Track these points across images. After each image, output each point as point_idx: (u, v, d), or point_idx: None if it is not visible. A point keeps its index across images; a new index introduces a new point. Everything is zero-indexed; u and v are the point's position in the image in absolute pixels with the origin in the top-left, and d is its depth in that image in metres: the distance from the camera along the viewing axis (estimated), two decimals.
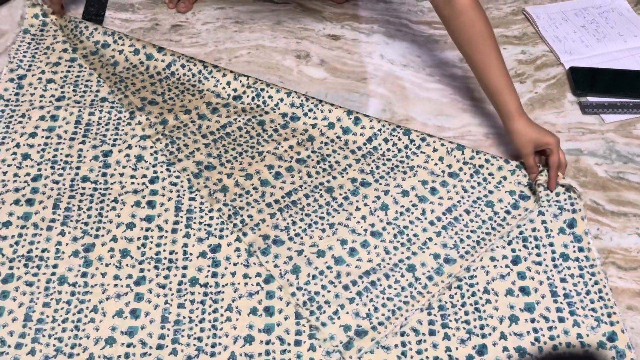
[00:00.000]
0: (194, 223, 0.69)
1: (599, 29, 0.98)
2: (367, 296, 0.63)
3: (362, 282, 0.65)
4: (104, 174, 0.73)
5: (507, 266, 0.68)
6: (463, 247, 0.69)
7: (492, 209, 0.73)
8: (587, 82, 0.88)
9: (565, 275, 0.68)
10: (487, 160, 0.76)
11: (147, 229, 0.68)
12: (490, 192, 0.74)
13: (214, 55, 0.91)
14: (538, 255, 0.69)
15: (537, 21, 0.99)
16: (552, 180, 0.73)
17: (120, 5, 0.98)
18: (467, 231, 0.70)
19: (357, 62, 0.91)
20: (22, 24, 0.91)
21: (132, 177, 0.73)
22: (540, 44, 0.96)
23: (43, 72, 0.85)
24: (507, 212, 0.72)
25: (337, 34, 0.95)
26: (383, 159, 0.77)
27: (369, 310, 0.62)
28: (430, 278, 0.66)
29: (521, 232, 0.71)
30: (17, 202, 0.70)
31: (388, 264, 0.67)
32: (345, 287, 0.64)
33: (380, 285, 0.65)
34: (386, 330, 0.61)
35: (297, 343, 0.60)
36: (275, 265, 0.65)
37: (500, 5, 1.02)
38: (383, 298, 0.63)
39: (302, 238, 0.68)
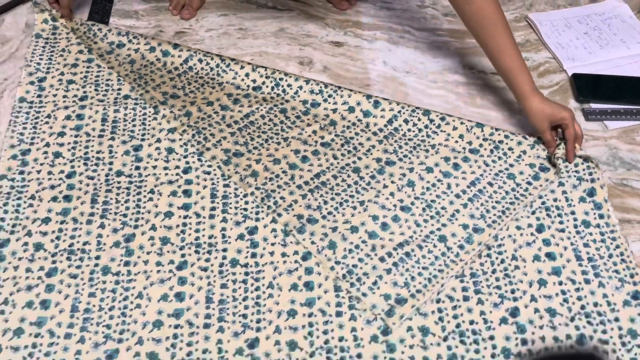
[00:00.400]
0: (230, 208, 0.72)
1: (601, 36, 0.97)
2: (403, 266, 0.66)
3: (397, 253, 0.67)
4: (137, 167, 0.75)
5: (532, 234, 0.71)
6: (490, 217, 0.71)
7: (514, 180, 0.75)
8: (590, 88, 0.87)
9: (587, 240, 0.71)
10: (506, 136, 0.79)
11: (185, 217, 0.71)
12: (511, 165, 0.77)
13: None
14: (561, 223, 0.72)
15: (540, 28, 0.99)
16: (569, 153, 0.76)
17: (124, 12, 1.00)
18: (492, 202, 0.73)
19: (360, 68, 0.91)
20: (27, 30, 0.93)
21: (166, 168, 0.76)
22: (543, 51, 0.96)
23: (62, 73, 0.87)
24: (529, 183, 0.75)
25: (340, 40, 0.96)
26: (405, 139, 0.80)
27: (406, 279, 0.65)
28: (461, 247, 0.68)
29: (543, 203, 0.74)
30: (54, 199, 0.72)
31: (420, 235, 0.69)
32: (382, 259, 0.67)
33: (415, 255, 0.67)
34: (424, 297, 0.63)
35: (338, 314, 0.63)
36: (312, 242, 0.68)
37: None
38: (418, 268, 0.66)
39: (334, 216, 0.71)
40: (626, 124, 0.84)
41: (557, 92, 0.89)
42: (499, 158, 0.78)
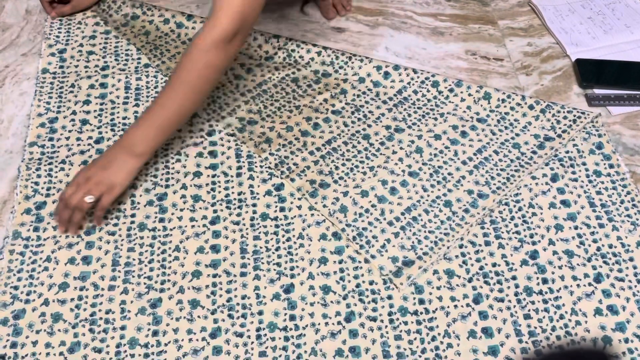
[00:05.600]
0: (256, 166, 0.74)
1: (605, 21, 0.95)
2: (410, 230, 0.69)
3: (405, 218, 0.70)
4: None
5: (547, 183, 0.74)
6: (494, 184, 0.74)
7: (519, 150, 0.78)
8: (593, 74, 0.86)
9: (600, 188, 0.74)
10: (512, 108, 0.81)
11: (214, 176, 0.73)
12: (517, 134, 0.79)
13: None
14: (573, 173, 0.75)
15: (544, 13, 0.97)
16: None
17: None
18: (497, 169, 0.75)
19: (362, 54, 0.89)
20: (28, 17, 0.93)
21: (190, 131, 0.78)
22: (546, 36, 0.94)
23: (81, 45, 0.89)
24: (534, 152, 0.77)
25: (342, 26, 0.94)
26: (414, 107, 0.82)
27: (413, 242, 0.68)
28: (466, 211, 0.71)
29: (556, 155, 0.76)
30: (85, 162, 0.74)
31: (427, 200, 0.72)
32: (390, 223, 0.69)
33: (422, 220, 0.70)
34: (431, 259, 0.66)
35: (367, 261, 0.66)
36: (324, 206, 0.70)
37: None
38: (425, 231, 0.69)
39: (345, 181, 0.73)
40: (629, 109, 0.83)
41: (561, 78, 0.87)
42: (506, 128, 0.80)
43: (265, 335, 0.60)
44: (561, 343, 0.60)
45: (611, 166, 0.76)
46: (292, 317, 0.61)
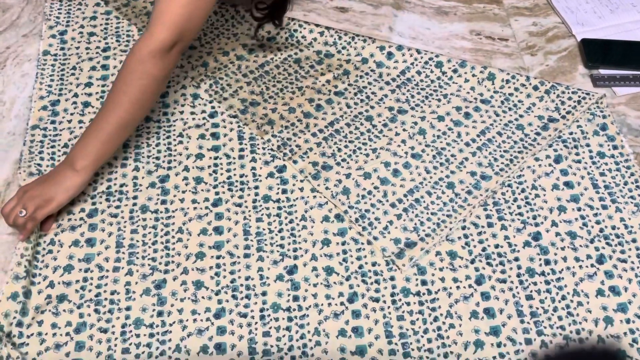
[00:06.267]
0: (258, 148, 0.74)
1: (612, 0, 0.94)
2: (412, 212, 0.69)
3: (407, 199, 0.70)
4: (165, 113, 0.78)
5: (550, 165, 0.74)
6: (497, 165, 0.73)
7: (523, 131, 0.77)
8: (599, 54, 0.85)
9: (603, 170, 0.73)
10: (516, 89, 0.81)
11: (216, 158, 0.73)
12: (521, 116, 0.79)
13: None
14: (577, 154, 0.75)
15: None
16: None
17: None
18: (501, 151, 0.75)
19: (365, 34, 0.88)
20: None
21: (192, 113, 0.78)
22: (552, 16, 0.93)
23: (82, 26, 0.88)
24: (537, 133, 0.77)
25: (345, 6, 0.93)
26: (417, 89, 0.81)
27: (415, 224, 0.68)
28: (469, 192, 0.71)
29: (560, 136, 0.76)
30: None
31: (429, 182, 0.72)
32: (392, 205, 0.69)
33: (424, 201, 0.70)
34: (433, 241, 0.66)
35: (370, 243, 0.66)
36: (327, 188, 0.70)
37: None
38: (427, 213, 0.69)
39: (348, 163, 0.73)
40: (635, 90, 0.82)
41: (566, 58, 0.86)
42: (509, 109, 0.79)
43: (269, 315, 0.60)
44: (566, 333, 0.60)
45: (615, 147, 0.76)
46: (296, 298, 0.62)
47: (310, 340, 0.59)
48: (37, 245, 0.64)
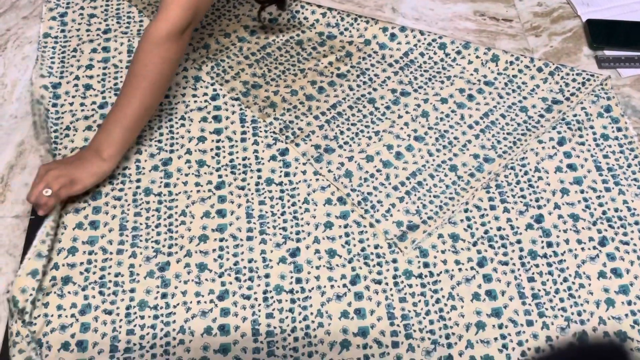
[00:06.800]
0: (261, 131, 0.74)
1: None
2: (415, 195, 0.69)
3: (410, 182, 0.70)
4: (167, 96, 0.77)
5: (553, 147, 0.73)
6: (501, 148, 0.73)
7: (526, 113, 0.76)
8: (604, 35, 0.84)
9: (607, 152, 0.73)
10: (520, 71, 0.80)
11: (218, 140, 0.73)
12: (525, 98, 0.78)
13: None
14: (581, 136, 0.74)
15: None
16: None
17: None
18: (504, 133, 0.74)
19: (368, 15, 0.87)
20: None
21: (194, 95, 0.77)
22: None
23: (82, 8, 0.87)
24: (541, 115, 0.76)
25: None
26: (420, 70, 0.81)
27: (417, 207, 0.68)
28: (472, 175, 0.71)
29: (564, 118, 0.76)
30: (89, 128, 0.74)
31: (432, 165, 0.71)
32: (395, 188, 0.69)
33: (427, 184, 0.70)
34: (436, 224, 0.66)
35: (372, 225, 0.66)
36: (329, 171, 0.70)
37: None
38: (430, 196, 0.69)
39: (350, 146, 0.73)
40: None
41: (571, 39, 0.86)
42: (513, 91, 0.79)
43: (272, 297, 0.61)
44: (567, 315, 0.60)
45: (619, 129, 0.75)
46: (299, 280, 0.62)
47: (313, 322, 0.59)
48: (58, 227, 0.64)
